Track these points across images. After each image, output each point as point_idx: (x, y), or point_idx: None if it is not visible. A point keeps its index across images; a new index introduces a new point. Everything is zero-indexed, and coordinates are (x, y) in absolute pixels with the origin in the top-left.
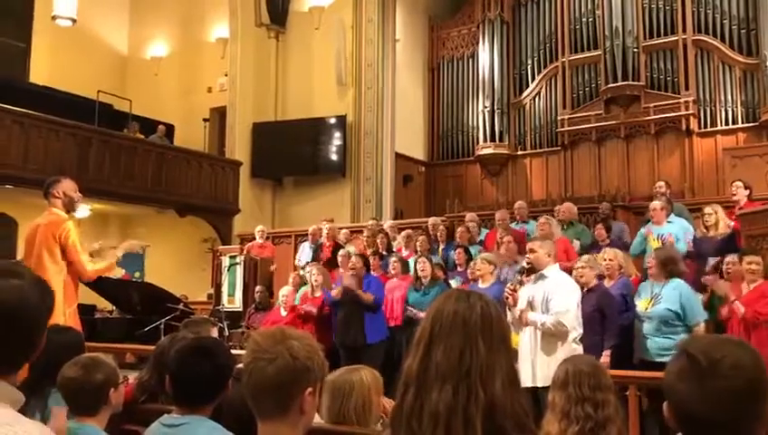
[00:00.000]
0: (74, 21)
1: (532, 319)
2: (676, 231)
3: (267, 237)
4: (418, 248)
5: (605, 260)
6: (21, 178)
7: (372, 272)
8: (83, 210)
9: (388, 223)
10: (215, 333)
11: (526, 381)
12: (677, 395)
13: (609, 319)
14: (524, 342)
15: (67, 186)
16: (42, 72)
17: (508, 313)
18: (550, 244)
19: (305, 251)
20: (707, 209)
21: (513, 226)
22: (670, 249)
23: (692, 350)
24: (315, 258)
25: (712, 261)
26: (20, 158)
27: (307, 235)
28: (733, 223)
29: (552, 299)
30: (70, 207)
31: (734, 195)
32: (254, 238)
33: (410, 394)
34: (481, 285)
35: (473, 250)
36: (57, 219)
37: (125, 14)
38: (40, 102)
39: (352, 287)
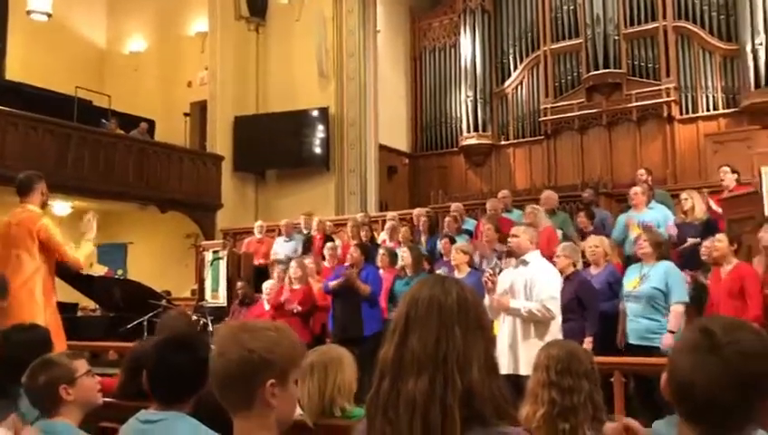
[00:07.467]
0: (50, 16)
1: (514, 306)
2: (656, 218)
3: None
4: (401, 239)
5: (590, 247)
6: None
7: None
8: (64, 208)
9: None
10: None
11: (506, 368)
12: (681, 369)
13: (588, 307)
14: (504, 329)
15: (44, 183)
16: (17, 68)
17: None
18: (533, 231)
19: (281, 245)
20: (683, 195)
21: None
22: (657, 233)
23: (709, 325)
24: (306, 251)
25: (688, 243)
26: None
27: (294, 227)
28: (712, 207)
29: (535, 285)
30: (45, 204)
31: (722, 180)
32: (240, 233)
33: (386, 382)
34: (457, 274)
35: (460, 240)
36: (32, 216)
37: (102, 8)
38: (17, 99)
39: (352, 278)
